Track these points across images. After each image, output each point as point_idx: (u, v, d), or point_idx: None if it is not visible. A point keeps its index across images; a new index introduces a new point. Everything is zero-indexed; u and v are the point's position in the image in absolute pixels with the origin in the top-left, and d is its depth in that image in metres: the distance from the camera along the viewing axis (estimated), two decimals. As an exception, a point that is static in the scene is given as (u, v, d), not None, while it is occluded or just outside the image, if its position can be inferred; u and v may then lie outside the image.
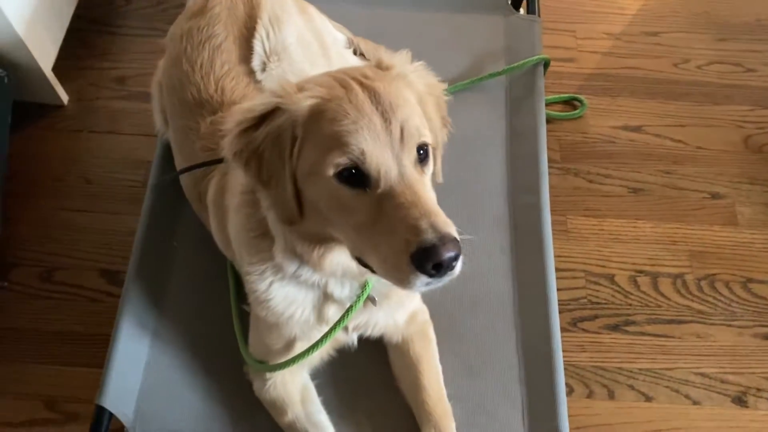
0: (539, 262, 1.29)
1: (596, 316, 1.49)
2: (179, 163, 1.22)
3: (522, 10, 1.64)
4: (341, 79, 0.83)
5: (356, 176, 0.78)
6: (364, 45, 1.48)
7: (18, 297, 1.46)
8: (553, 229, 1.35)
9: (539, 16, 1.59)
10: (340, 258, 0.91)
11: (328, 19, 1.39)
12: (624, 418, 1.39)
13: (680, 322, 1.49)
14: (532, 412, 1.17)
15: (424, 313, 1.20)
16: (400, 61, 0.90)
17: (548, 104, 1.69)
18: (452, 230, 0.77)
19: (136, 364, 1.17)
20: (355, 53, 1.46)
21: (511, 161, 1.43)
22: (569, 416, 1.16)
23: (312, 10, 1.34)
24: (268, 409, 1.12)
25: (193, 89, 1.15)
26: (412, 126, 0.80)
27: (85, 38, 1.76)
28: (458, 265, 0.79)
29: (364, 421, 1.15)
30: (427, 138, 0.82)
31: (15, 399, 1.36)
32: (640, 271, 1.54)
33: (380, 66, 0.88)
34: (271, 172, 0.85)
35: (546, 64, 1.52)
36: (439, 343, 1.19)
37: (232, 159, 0.87)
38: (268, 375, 1.11)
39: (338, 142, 0.78)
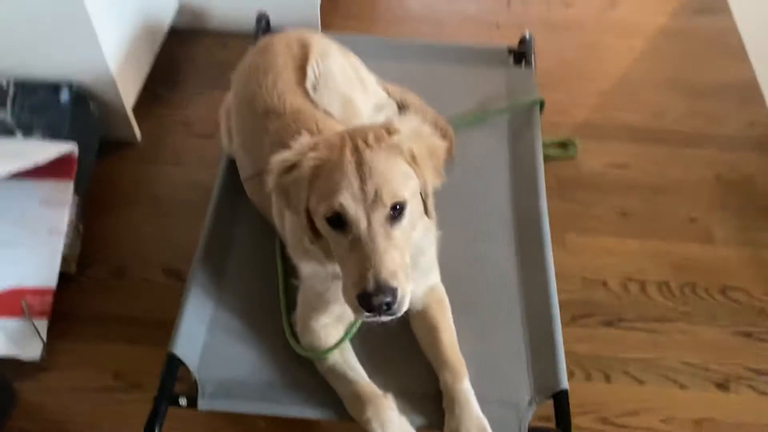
0: (540, 255, 1.53)
1: (592, 314, 1.71)
2: (247, 164, 1.50)
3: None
4: (343, 141, 1.11)
5: (340, 220, 1.08)
6: (391, 88, 1.80)
7: (92, 289, 1.70)
8: (552, 245, 1.58)
9: (535, 68, 1.93)
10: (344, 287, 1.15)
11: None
12: (619, 398, 1.58)
13: (667, 320, 1.70)
14: (535, 369, 1.37)
15: (441, 288, 1.42)
16: (404, 128, 1.15)
17: (546, 146, 1.99)
18: (392, 281, 1.03)
19: (202, 322, 1.40)
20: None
21: (514, 182, 1.70)
22: (570, 396, 1.33)
23: (351, 54, 1.67)
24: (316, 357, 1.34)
25: (261, 102, 1.46)
26: (387, 190, 1.07)
27: (156, 90, 2.11)
28: (398, 304, 1.05)
29: (390, 374, 1.34)
30: (404, 198, 1.09)
31: (89, 369, 1.57)
32: (630, 279, 1.77)
33: (388, 129, 1.15)
34: (294, 204, 1.17)
35: (541, 105, 1.83)
36: (453, 316, 1.41)
37: (272, 190, 1.19)
38: (313, 327, 1.33)
39: (327, 195, 1.08)
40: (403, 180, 1.10)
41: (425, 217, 1.20)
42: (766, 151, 2.07)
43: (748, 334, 1.69)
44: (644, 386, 1.60)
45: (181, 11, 2.25)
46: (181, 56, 2.24)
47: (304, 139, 1.17)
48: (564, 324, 1.61)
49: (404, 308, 1.08)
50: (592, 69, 2.31)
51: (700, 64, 2.32)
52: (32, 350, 1.55)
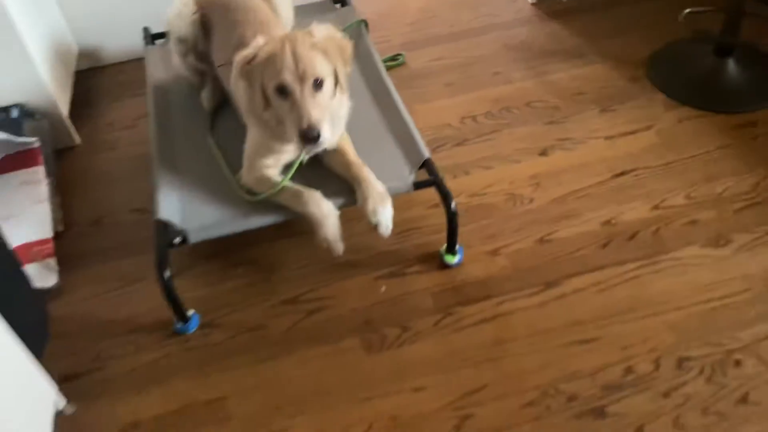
0: (390, 101, 2.19)
1: (445, 144, 2.38)
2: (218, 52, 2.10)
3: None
4: (283, 42, 1.72)
5: (283, 90, 1.69)
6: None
7: (81, 236, 2.18)
8: (406, 114, 2.27)
9: (353, 6, 2.67)
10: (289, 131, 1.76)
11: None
12: (477, 181, 2.23)
13: (496, 131, 2.41)
14: (407, 155, 2.00)
15: (345, 133, 2.00)
16: (320, 33, 1.77)
17: (383, 61, 2.70)
18: (316, 123, 1.63)
19: (174, 196, 1.93)
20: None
21: (364, 73, 2.38)
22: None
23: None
24: (259, 190, 1.89)
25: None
26: (310, 70, 1.69)
27: (80, 111, 2.67)
28: (322, 138, 1.64)
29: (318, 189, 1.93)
30: (321, 75, 1.70)
31: (97, 283, 2.02)
32: (464, 117, 2.48)
33: (310, 34, 1.77)
34: (252, 82, 1.76)
35: (366, 24, 2.54)
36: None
37: (239, 75, 1.79)
38: (258, 167, 1.88)
39: (275, 74, 1.69)
40: (319, 64, 1.71)
41: (340, 92, 1.82)
42: (530, 24, 2.92)
43: (551, 122, 2.42)
44: (492, 170, 2.27)
45: (81, 55, 2.84)
46: (92, 86, 2.82)
47: (259, 40, 1.76)
48: (428, 155, 2.28)
49: (327, 141, 1.70)
50: (401, 11, 3.11)
51: (475, -12, 3.17)
52: (50, 280, 2.02)
